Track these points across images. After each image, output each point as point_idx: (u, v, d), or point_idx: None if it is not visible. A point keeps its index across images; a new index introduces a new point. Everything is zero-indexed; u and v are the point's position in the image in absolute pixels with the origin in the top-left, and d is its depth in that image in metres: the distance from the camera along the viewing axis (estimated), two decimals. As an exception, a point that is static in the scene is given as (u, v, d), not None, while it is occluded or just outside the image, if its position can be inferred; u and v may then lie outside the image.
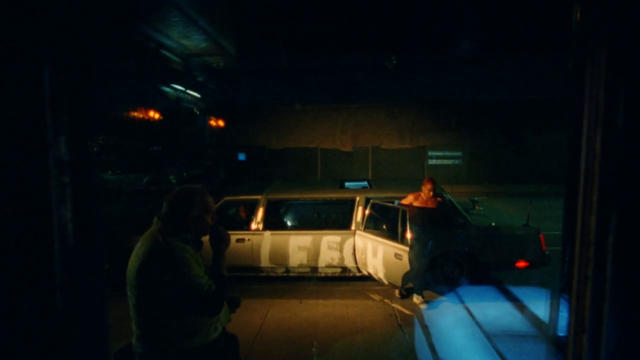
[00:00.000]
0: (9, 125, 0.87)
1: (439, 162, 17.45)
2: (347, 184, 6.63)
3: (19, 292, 0.90)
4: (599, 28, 1.05)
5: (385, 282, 5.10)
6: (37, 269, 0.91)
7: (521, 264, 5.20)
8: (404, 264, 4.77)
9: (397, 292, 5.28)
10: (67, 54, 0.93)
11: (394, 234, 4.93)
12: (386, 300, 5.14)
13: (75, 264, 0.95)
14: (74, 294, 0.96)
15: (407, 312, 4.78)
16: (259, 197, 5.74)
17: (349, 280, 5.77)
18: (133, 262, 1.82)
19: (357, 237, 5.44)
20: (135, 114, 19.75)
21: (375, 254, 5.13)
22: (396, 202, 5.39)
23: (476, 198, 7.11)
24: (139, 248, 1.84)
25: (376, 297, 5.28)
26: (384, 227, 5.21)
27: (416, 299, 4.97)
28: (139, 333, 1.85)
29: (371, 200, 5.48)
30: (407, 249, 4.75)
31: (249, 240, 5.52)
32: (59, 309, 0.93)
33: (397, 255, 4.85)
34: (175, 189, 1.96)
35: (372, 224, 5.38)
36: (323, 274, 5.61)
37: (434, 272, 5.33)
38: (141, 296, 1.80)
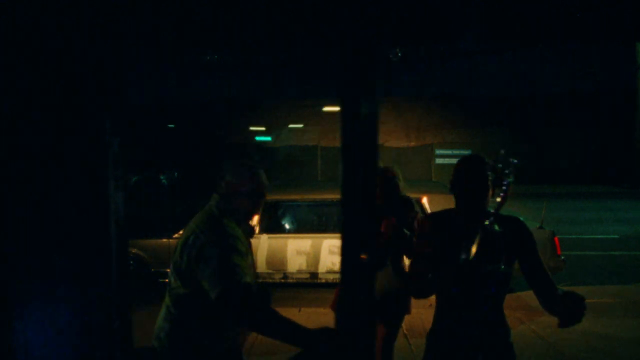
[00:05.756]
0: (82, 130, 1.32)
1: (446, 161, 17.44)
2: (349, 184, 6.63)
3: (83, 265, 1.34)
4: None
5: None
6: (96, 244, 1.35)
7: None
8: None
9: None
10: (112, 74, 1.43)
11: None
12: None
13: (124, 241, 1.45)
14: (124, 268, 1.44)
15: (413, 320, 4.77)
16: (255, 198, 5.74)
17: (351, 286, 5.76)
18: (183, 234, 1.84)
19: (359, 241, 5.44)
20: (124, 109, 19.73)
21: None
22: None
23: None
24: (192, 221, 1.86)
25: (380, 304, 5.27)
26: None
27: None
28: (167, 324, 1.81)
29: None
30: None
31: (244, 244, 5.52)
32: (114, 282, 1.37)
33: None
34: (229, 162, 1.96)
35: None
36: (324, 280, 5.60)
37: None
38: (180, 275, 1.77)
